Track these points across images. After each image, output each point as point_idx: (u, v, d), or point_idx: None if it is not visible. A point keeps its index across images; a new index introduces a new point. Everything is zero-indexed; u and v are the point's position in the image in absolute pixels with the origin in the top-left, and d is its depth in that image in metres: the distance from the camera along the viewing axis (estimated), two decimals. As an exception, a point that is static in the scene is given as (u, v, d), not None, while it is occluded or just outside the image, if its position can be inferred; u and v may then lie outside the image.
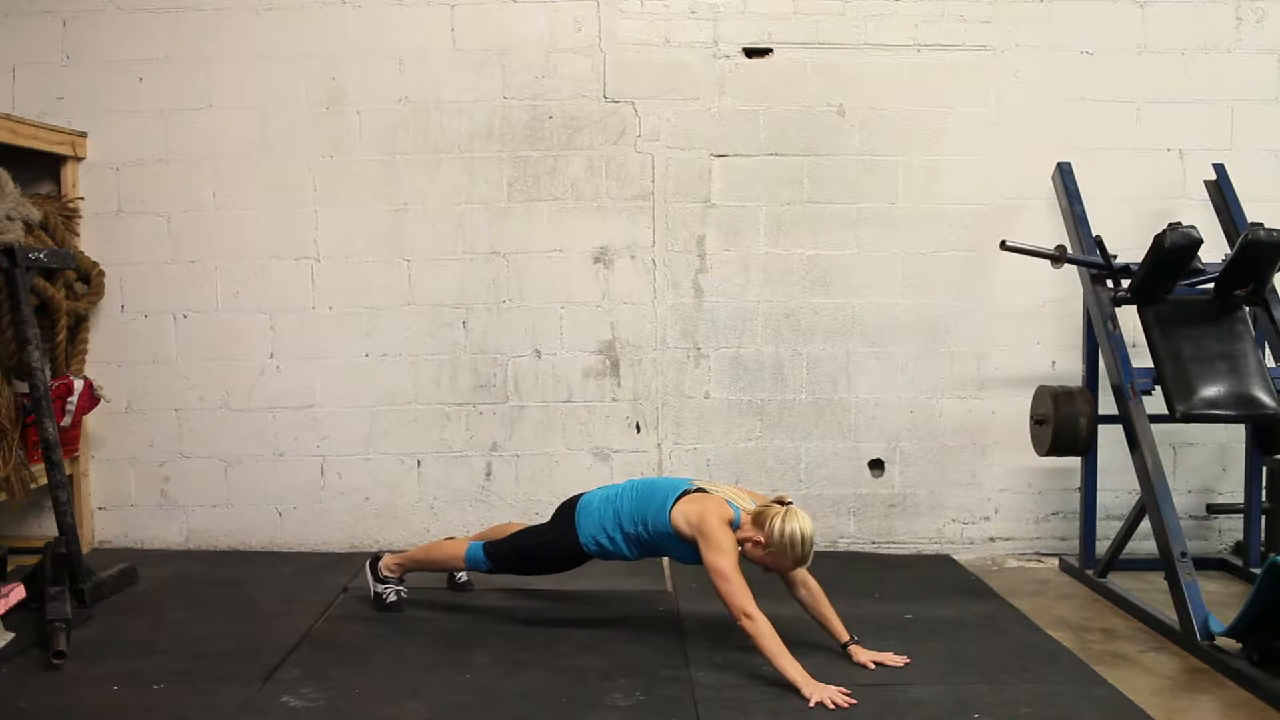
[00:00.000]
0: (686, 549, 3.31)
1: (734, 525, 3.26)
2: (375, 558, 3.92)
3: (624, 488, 3.56)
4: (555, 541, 3.57)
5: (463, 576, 4.08)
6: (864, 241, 4.70)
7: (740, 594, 3.12)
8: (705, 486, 3.41)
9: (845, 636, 3.36)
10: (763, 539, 3.18)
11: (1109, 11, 4.67)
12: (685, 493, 3.37)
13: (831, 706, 2.96)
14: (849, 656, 3.32)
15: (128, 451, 4.70)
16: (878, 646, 3.43)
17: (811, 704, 2.98)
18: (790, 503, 3.23)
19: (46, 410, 3.85)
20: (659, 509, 3.35)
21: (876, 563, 4.56)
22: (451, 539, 3.97)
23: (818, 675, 3.09)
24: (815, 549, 3.21)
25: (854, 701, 3.00)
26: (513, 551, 3.64)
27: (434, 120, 4.63)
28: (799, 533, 3.14)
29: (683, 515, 3.28)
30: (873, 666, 3.27)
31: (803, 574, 3.34)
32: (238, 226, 4.64)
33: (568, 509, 3.61)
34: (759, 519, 3.21)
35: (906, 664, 3.29)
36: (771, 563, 3.23)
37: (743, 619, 3.11)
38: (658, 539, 3.39)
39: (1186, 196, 4.68)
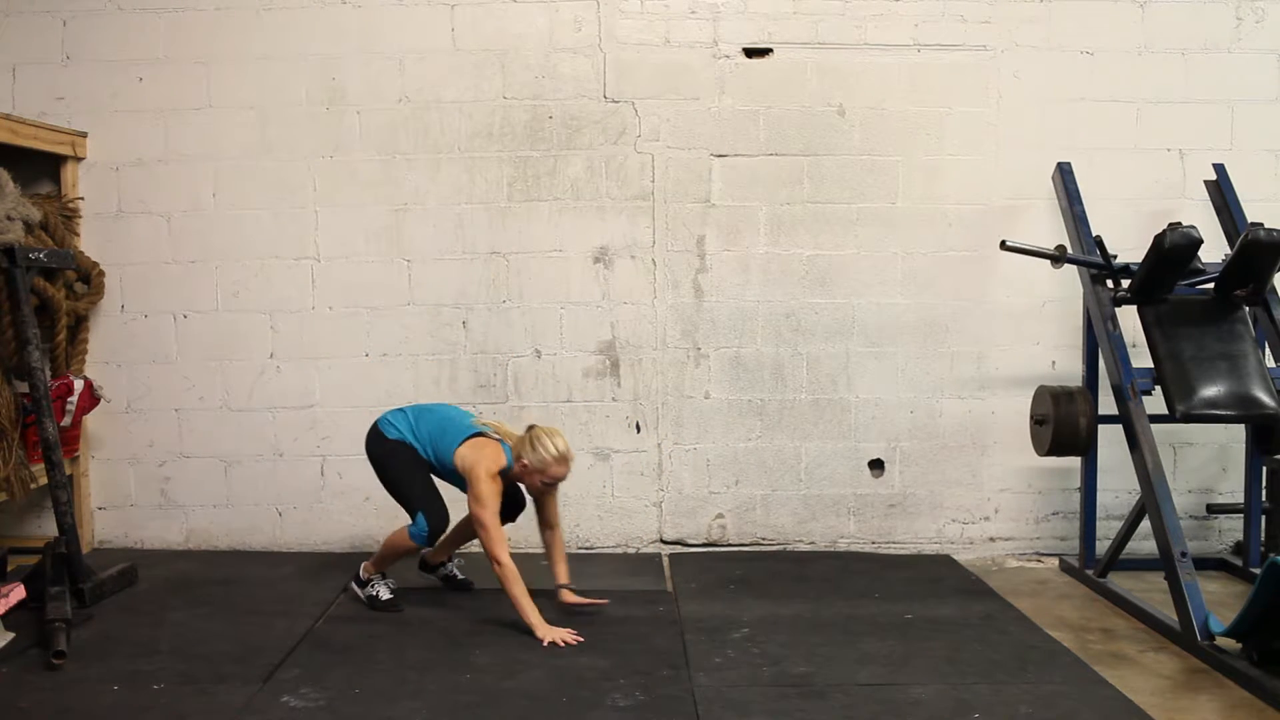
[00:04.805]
0: (462, 483, 3.72)
1: (508, 469, 3.69)
2: (355, 573, 3.98)
3: (415, 412, 3.91)
4: (401, 465, 3.80)
5: (461, 575, 4.10)
6: (864, 241, 4.70)
7: (495, 542, 3.57)
8: (487, 430, 3.79)
9: (563, 580, 3.84)
10: (526, 464, 3.64)
11: (1109, 11, 4.67)
12: (469, 436, 3.75)
13: (561, 644, 3.46)
14: (559, 595, 3.81)
15: (128, 451, 4.70)
16: (878, 646, 3.45)
17: (545, 644, 3.47)
18: (534, 426, 3.71)
19: (46, 410, 3.85)
20: (448, 447, 3.75)
21: (876, 563, 4.56)
22: (398, 528, 4.00)
23: (824, 672, 3.07)
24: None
25: (581, 639, 3.49)
26: (410, 498, 3.77)
27: (434, 120, 4.63)
28: (548, 443, 3.63)
29: (461, 458, 3.70)
30: (570, 601, 3.77)
31: (554, 518, 3.85)
32: (238, 226, 4.65)
33: (373, 436, 3.89)
34: (517, 452, 3.68)
35: (606, 604, 3.80)
36: (546, 479, 3.67)
37: (494, 564, 3.57)
38: (441, 468, 3.81)
39: (1186, 196, 4.68)
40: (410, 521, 3.73)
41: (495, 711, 2.97)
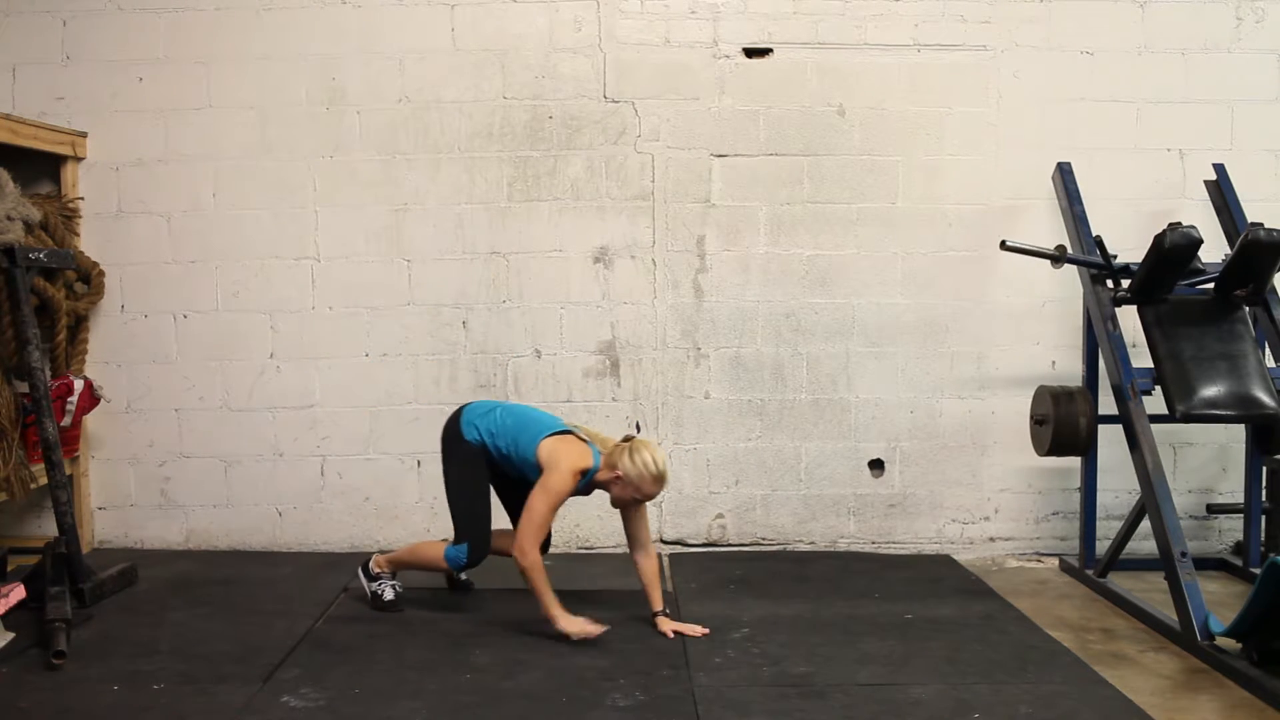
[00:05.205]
0: (521, 486, 3.63)
1: (592, 472, 3.55)
2: (365, 561, 3.95)
3: (504, 409, 3.76)
4: (470, 473, 3.69)
5: (463, 575, 4.09)
6: (864, 241, 4.70)
7: (533, 532, 3.46)
8: (575, 430, 3.67)
9: (658, 607, 3.64)
10: (620, 474, 3.49)
11: (1109, 11, 4.68)
12: (557, 432, 3.63)
13: (582, 635, 3.42)
14: (655, 624, 3.60)
15: (128, 451, 4.70)
16: (878, 646, 3.45)
17: (572, 636, 3.42)
18: (633, 437, 3.57)
19: (46, 410, 3.85)
20: (532, 439, 3.61)
21: (876, 563, 4.56)
22: (435, 540, 3.98)
23: (824, 672, 3.07)
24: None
25: (605, 628, 3.46)
26: (463, 518, 3.69)
27: (434, 120, 4.63)
28: (649, 458, 3.47)
29: (546, 450, 3.56)
30: (672, 635, 3.54)
31: (645, 538, 3.66)
32: (238, 226, 4.65)
33: (453, 432, 3.74)
34: (610, 460, 3.54)
35: (705, 635, 3.55)
36: (637, 494, 3.52)
37: (519, 553, 3.46)
38: (521, 464, 3.65)
39: (1186, 196, 4.68)
40: (455, 546, 3.68)
41: (495, 711, 2.97)
